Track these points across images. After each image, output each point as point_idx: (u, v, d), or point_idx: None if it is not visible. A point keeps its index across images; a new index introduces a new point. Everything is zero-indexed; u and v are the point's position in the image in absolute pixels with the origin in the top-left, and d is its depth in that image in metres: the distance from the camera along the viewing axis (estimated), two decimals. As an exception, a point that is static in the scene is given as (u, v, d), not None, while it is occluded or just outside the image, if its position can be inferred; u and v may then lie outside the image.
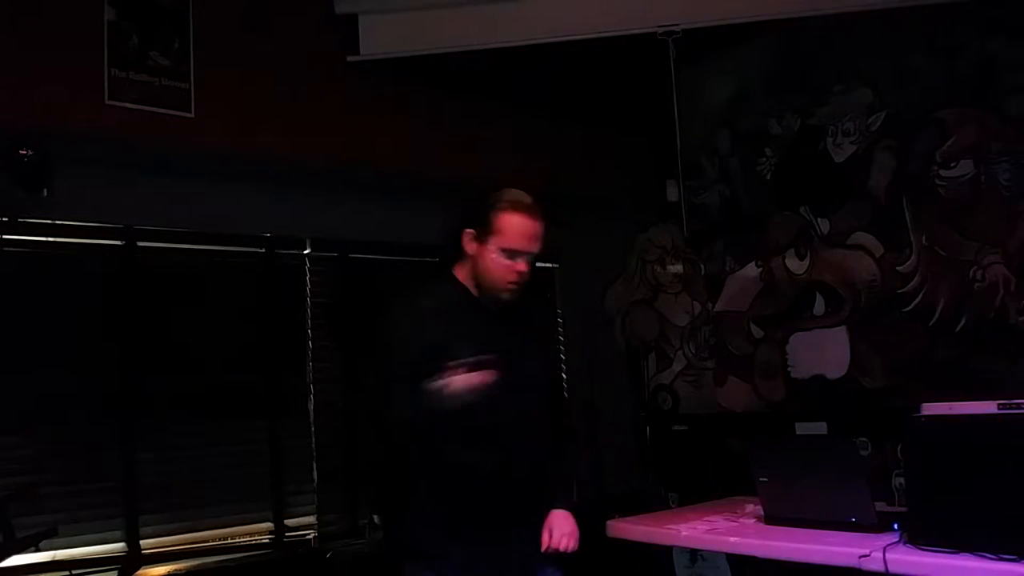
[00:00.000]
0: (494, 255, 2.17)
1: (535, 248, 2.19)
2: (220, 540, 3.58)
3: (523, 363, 2.21)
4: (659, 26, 3.52)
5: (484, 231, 2.17)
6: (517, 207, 2.17)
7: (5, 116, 2.94)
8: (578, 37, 3.56)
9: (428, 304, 2.23)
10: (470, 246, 2.21)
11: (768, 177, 4.22)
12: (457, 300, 2.23)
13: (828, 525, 2.72)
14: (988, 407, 2.58)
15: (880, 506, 2.81)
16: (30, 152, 3.04)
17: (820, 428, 3.67)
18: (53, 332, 3.33)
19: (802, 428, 3.75)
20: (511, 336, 2.21)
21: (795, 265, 4.08)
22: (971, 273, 3.44)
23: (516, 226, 2.16)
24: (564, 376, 4.58)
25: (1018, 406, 2.51)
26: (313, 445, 3.86)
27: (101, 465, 3.35)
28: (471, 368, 2.07)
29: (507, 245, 2.15)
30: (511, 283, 2.18)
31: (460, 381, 2.06)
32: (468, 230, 2.21)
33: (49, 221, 3.31)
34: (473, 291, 2.24)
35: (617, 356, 4.97)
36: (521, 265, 2.17)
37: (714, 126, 4.45)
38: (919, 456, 2.57)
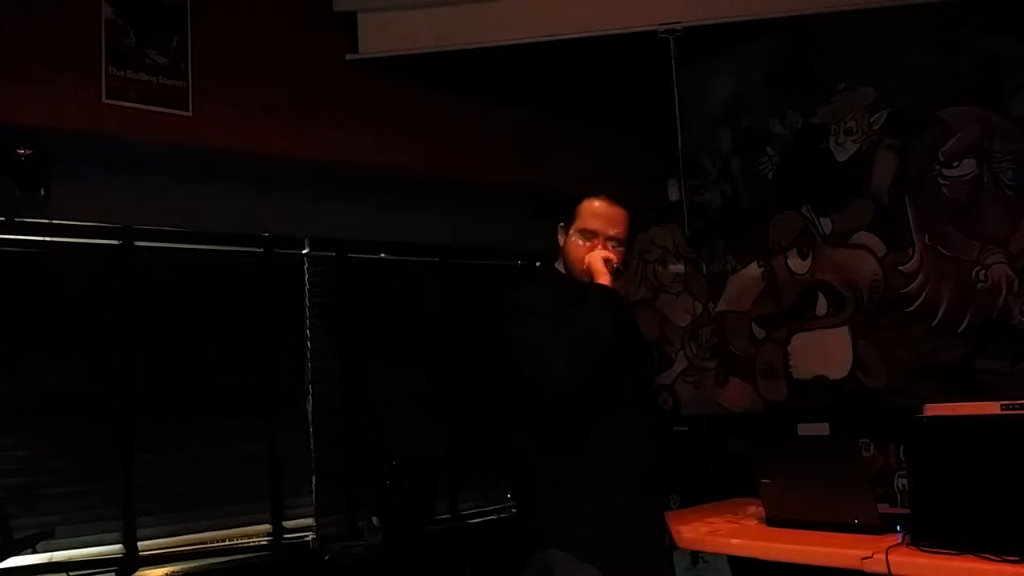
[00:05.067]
0: (574, 239, 2.30)
1: (611, 231, 2.27)
2: (218, 542, 3.56)
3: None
4: (660, 24, 3.51)
5: (568, 221, 2.34)
6: (597, 195, 2.32)
7: (2, 115, 2.93)
8: (579, 35, 3.55)
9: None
10: (560, 238, 2.35)
11: (770, 176, 4.19)
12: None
13: (830, 527, 2.71)
14: (991, 408, 2.57)
15: (883, 508, 2.81)
16: (27, 151, 3.04)
17: (822, 429, 3.65)
18: (50, 332, 3.32)
19: (804, 429, 3.72)
20: None
21: (797, 265, 4.06)
22: (974, 273, 3.41)
23: (593, 208, 2.30)
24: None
25: (1021, 407, 2.49)
26: (311, 446, 3.85)
27: (99, 466, 3.34)
28: None
29: (584, 226, 2.28)
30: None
31: None
32: (560, 224, 2.36)
33: (46, 221, 3.30)
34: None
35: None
36: (597, 244, 2.25)
37: (715, 125, 4.42)
38: (922, 457, 2.56)
